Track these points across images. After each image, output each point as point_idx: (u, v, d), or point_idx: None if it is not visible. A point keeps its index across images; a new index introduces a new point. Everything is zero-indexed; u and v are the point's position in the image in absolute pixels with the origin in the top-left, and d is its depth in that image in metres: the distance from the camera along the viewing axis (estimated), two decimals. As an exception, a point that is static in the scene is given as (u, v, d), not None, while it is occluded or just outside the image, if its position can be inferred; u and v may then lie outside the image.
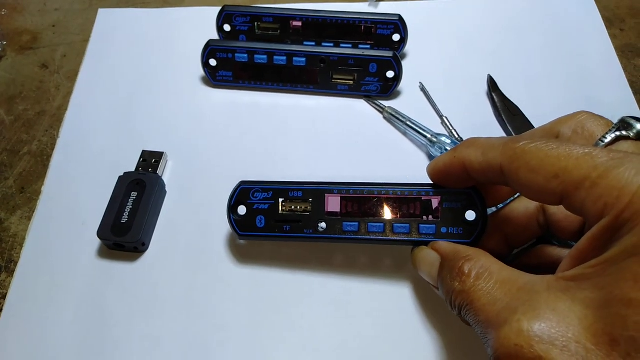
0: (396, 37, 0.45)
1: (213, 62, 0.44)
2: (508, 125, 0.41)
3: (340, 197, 0.32)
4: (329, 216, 0.32)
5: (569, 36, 0.48)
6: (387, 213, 0.32)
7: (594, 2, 0.51)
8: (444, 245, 0.29)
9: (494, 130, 0.43)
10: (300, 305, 0.35)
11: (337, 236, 0.32)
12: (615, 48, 0.47)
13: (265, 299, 0.35)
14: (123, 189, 0.38)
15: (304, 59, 0.43)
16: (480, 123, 0.43)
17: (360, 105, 0.45)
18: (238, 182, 0.34)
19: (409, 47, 0.47)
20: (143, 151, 0.41)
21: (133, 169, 0.39)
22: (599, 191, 0.20)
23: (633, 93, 0.44)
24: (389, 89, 0.44)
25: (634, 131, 0.26)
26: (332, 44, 0.46)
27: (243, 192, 0.34)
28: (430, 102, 0.44)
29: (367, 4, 0.52)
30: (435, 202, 0.31)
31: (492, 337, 0.21)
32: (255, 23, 0.46)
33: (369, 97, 0.45)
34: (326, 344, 0.33)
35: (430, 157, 0.41)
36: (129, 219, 0.36)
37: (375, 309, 0.34)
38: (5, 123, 0.45)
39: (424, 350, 0.33)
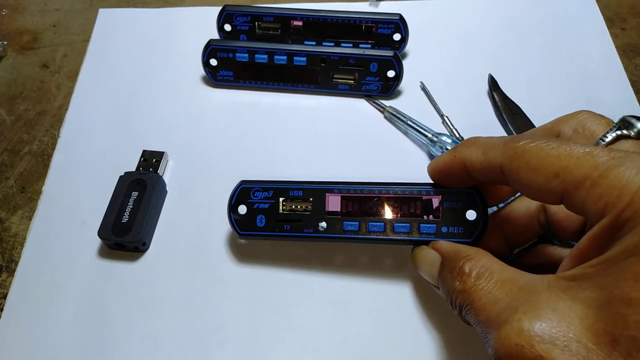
0: (397, 37, 0.45)
1: (214, 62, 0.44)
2: (509, 124, 0.41)
3: (341, 196, 0.32)
4: (329, 215, 0.32)
5: (570, 35, 0.48)
6: (388, 212, 0.32)
7: (595, 1, 0.51)
8: (445, 244, 0.29)
9: (494, 129, 0.43)
10: (300, 305, 0.35)
11: (337, 236, 0.32)
12: (617, 47, 0.47)
13: (265, 299, 0.35)
14: (124, 189, 0.38)
15: (304, 59, 0.43)
16: (481, 122, 0.43)
17: (360, 105, 0.45)
18: (238, 181, 0.34)
19: (409, 47, 0.47)
20: (144, 151, 0.41)
21: (134, 169, 0.39)
22: (599, 190, 0.20)
23: (634, 92, 0.44)
24: (390, 88, 0.43)
25: (635, 130, 0.26)
26: (332, 44, 0.46)
27: (243, 192, 0.34)
28: (431, 102, 0.44)
29: (367, 3, 0.52)
30: (435, 202, 0.31)
31: (493, 336, 0.21)
32: (256, 23, 0.46)
33: (370, 97, 0.45)
34: (326, 343, 0.33)
35: (431, 156, 0.40)
36: (130, 219, 0.36)
37: (376, 309, 0.34)
38: (6, 123, 0.45)
39: (424, 350, 0.33)
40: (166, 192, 0.40)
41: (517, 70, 0.46)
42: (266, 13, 0.45)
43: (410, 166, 0.40)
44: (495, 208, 0.33)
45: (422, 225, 0.31)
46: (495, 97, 0.43)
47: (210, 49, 0.43)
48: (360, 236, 0.32)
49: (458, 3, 0.51)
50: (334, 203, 0.32)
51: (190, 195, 0.40)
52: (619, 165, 0.19)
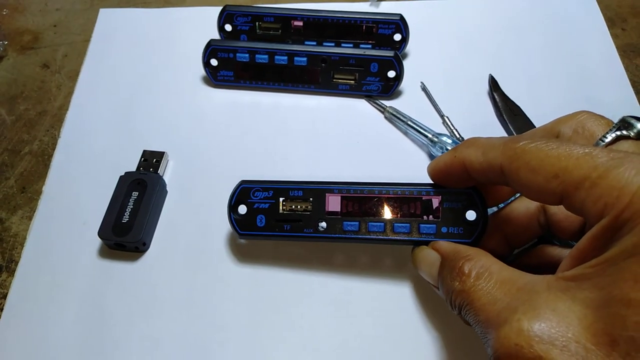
0: (397, 37, 0.45)
1: (214, 62, 0.44)
2: (509, 125, 0.41)
3: (341, 196, 0.32)
4: (329, 216, 0.32)
5: (570, 35, 0.48)
6: (388, 213, 0.32)
7: (595, 2, 0.51)
8: (444, 245, 0.29)
9: (495, 130, 0.43)
10: (300, 305, 0.35)
11: (337, 236, 0.32)
12: (617, 47, 0.47)
13: (266, 299, 0.35)
14: (124, 189, 0.38)
15: (305, 59, 0.43)
16: (481, 123, 0.43)
17: (361, 105, 0.45)
18: (239, 181, 0.34)
19: (410, 47, 0.47)
20: (144, 151, 0.41)
21: (134, 169, 0.40)
22: (598, 191, 0.20)
23: (635, 93, 0.44)
24: (390, 88, 0.43)
25: (635, 131, 0.26)
26: (333, 44, 0.46)
27: (243, 192, 0.34)
28: (432, 102, 0.44)
29: (368, 3, 0.52)
30: (435, 202, 0.31)
31: (492, 336, 0.21)
32: (257, 23, 0.46)
33: (370, 97, 0.45)
34: (326, 343, 0.33)
35: (431, 156, 0.40)
36: (130, 219, 0.36)
37: (376, 309, 0.34)
38: (7, 123, 0.45)
39: (424, 350, 0.33)
40: (166, 192, 0.40)
41: (517, 70, 0.46)
42: (267, 13, 0.45)
43: (411, 166, 0.40)
44: (495, 208, 0.33)
45: (422, 225, 0.31)
46: (496, 97, 0.43)
47: (210, 49, 0.44)
48: (360, 236, 0.32)
49: (458, 3, 0.51)
50: (334, 203, 0.32)
51: (191, 196, 0.40)
52: (618, 166, 0.19)
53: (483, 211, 0.30)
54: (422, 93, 0.45)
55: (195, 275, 0.36)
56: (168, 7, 0.53)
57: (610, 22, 0.50)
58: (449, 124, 0.42)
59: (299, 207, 0.33)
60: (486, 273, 0.24)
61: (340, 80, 0.44)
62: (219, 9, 0.46)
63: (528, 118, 0.42)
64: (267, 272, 0.36)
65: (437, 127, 0.42)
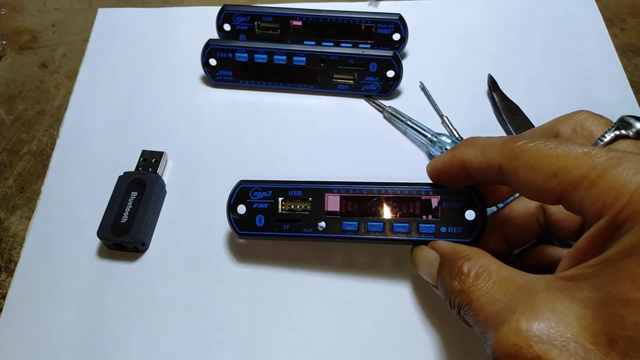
0: (396, 37, 0.45)
1: (213, 62, 0.44)
2: (508, 124, 0.41)
3: (340, 196, 0.32)
4: (328, 215, 0.32)
5: (570, 35, 0.48)
6: (387, 212, 0.32)
7: (595, 2, 0.51)
8: (444, 244, 0.29)
9: (494, 129, 0.43)
10: (300, 305, 0.35)
11: (336, 235, 0.32)
12: (616, 47, 0.47)
13: (265, 299, 0.35)
14: (123, 189, 0.38)
15: (304, 59, 0.43)
16: (480, 122, 0.43)
17: (360, 105, 0.45)
18: (238, 181, 0.34)
19: (409, 47, 0.47)
20: (143, 151, 0.41)
21: (133, 169, 0.39)
22: (597, 191, 0.20)
23: (633, 92, 0.44)
24: (389, 88, 0.43)
25: (633, 130, 0.26)
26: (332, 44, 0.46)
27: (243, 191, 0.34)
28: (431, 102, 0.44)
29: (367, 3, 0.52)
30: (434, 202, 0.31)
31: (491, 336, 0.21)
32: (255, 22, 0.46)
33: (369, 97, 0.45)
34: (326, 343, 0.33)
35: (431, 156, 0.40)
36: (129, 219, 0.36)
37: (376, 309, 0.34)
38: (5, 123, 0.45)
39: (424, 350, 0.33)
40: (165, 192, 0.40)
41: (516, 70, 0.46)
42: (266, 13, 0.45)
43: (410, 166, 0.40)
44: (494, 208, 0.33)
45: (421, 225, 0.31)
46: (495, 97, 0.43)
47: (209, 49, 0.43)
48: (359, 236, 0.32)
49: (458, 3, 0.51)
50: (333, 203, 0.32)
51: (190, 195, 0.40)
52: (617, 166, 0.19)
53: (482, 211, 0.30)
54: (421, 93, 0.45)
55: (194, 275, 0.36)
56: (167, 7, 0.53)
57: (609, 22, 0.50)
58: (448, 123, 0.42)
59: (298, 207, 0.33)
60: (485, 273, 0.24)
61: (339, 80, 0.44)
62: (218, 8, 0.46)
63: (527, 118, 0.42)
64: (266, 272, 0.36)
65: (436, 126, 0.42)
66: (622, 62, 0.46)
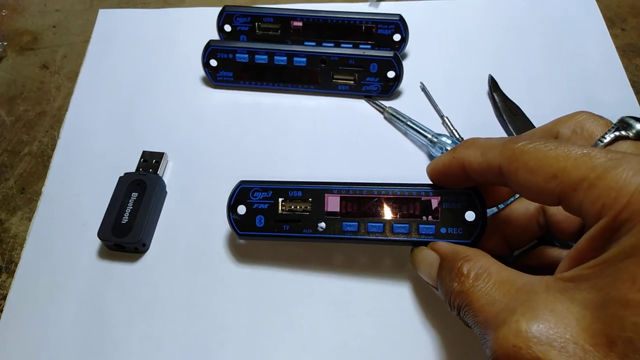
0: (397, 37, 0.45)
1: (213, 63, 0.44)
2: (509, 125, 0.41)
3: (340, 197, 0.32)
4: (328, 216, 0.32)
5: (570, 36, 0.48)
6: (387, 213, 0.32)
7: (595, 2, 0.51)
8: (444, 245, 0.29)
9: (495, 130, 0.43)
10: (300, 305, 0.35)
11: (336, 236, 0.32)
12: (617, 48, 0.47)
13: (265, 299, 0.35)
14: (123, 190, 0.38)
15: (304, 59, 0.43)
16: (481, 123, 0.43)
17: (360, 106, 0.45)
18: (238, 181, 0.34)
19: (409, 47, 0.47)
20: (143, 151, 0.41)
21: (133, 170, 0.40)
22: (597, 192, 0.20)
23: (634, 93, 0.44)
24: (390, 89, 0.43)
25: (634, 131, 0.26)
26: (332, 44, 0.46)
27: (243, 192, 0.34)
28: (431, 102, 0.44)
29: (367, 4, 0.52)
30: (434, 203, 0.31)
31: (491, 337, 0.21)
32: (256, 23, 0.46)
33: (370, 97, 0.45)
34: (326, 344, 0.33)
35: (431, 157, 0.40)
36: (130, 220, 0.36)
37: (376, 309, 0.34)
38: (6, 124, 0.45)
39: (424, 350, 0.33)
40: (166, 192, 0.40)
41: (517, 70, 0.46)
42: (266, 14, 0.45)
43: (410, 167, 0.40)
44: (494, 209, 0.33)
45: (421, 226, 0.31)
46: (496, 97, 0.43)
47: (210, 50, 0.44)
48: (359, 237, 0.32)
49: (458, 3, 0.51)
50: (333, 203, 0.32)
51: (190, 196, 0.40)
52: (617, 167, 0.19)
53: (482, 212, 0.30)
54: (422, 93, 0.45)
55: (194, 275, 0.36)
56: (167, 8, 0.53)
57: (610, 22, 0.50)
58: (449, 124, 0.42)
59: (298, 207, 0.33)
60: (485, 274, 0.24)
61: (339, 81, 0.44)
62: (219, 9, 0.46)
63: (528, 118, 0.42)
64: (266, 273, 0.36)
65: (437, 127, 0.42)
66: (622, 62, 0.46)
